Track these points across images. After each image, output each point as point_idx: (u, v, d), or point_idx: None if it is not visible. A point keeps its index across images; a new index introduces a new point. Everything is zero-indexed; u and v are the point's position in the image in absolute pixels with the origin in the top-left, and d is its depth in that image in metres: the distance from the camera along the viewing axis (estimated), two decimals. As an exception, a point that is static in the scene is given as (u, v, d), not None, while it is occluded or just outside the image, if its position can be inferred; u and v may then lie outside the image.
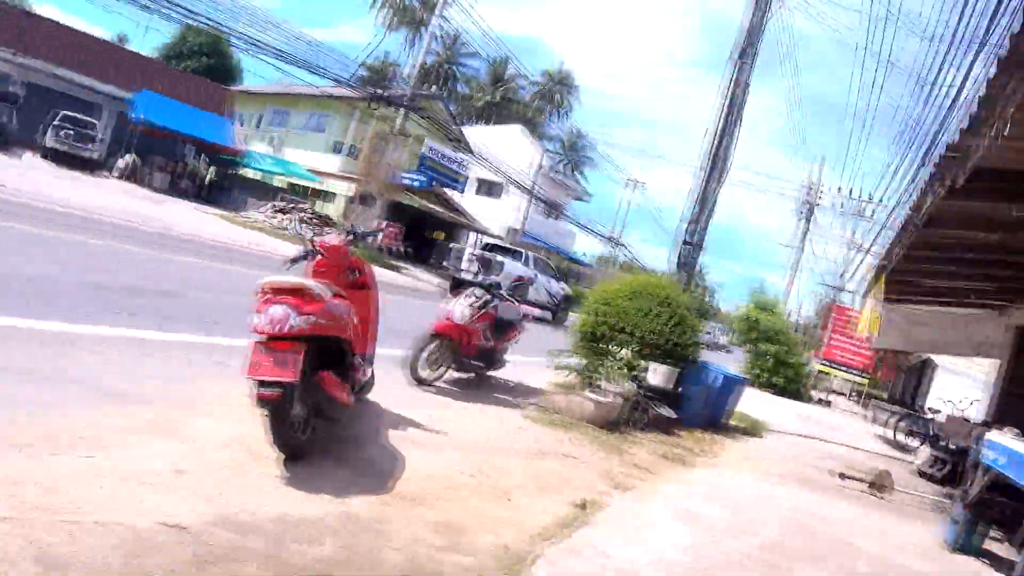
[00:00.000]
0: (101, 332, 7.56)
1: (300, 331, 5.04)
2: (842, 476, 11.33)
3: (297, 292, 5.19)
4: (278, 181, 42.31)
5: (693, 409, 12.14)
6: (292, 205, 34.12)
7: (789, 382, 26.63)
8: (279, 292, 5.17)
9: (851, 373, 33.17)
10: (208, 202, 36.93)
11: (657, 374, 11.49)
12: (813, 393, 30.19)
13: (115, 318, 8.27)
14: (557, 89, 78.67)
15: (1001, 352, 17.64)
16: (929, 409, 22.87)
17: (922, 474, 14.41)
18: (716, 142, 15.33)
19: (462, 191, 46.12)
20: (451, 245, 35.51)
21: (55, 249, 12.22)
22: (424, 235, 42.86)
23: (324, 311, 5.27)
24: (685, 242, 15.40)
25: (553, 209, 58.87)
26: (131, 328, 8.08)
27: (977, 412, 18.62)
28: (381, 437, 6.58)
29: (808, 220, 42.07)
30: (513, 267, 29.59)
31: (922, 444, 16.10)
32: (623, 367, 10.84)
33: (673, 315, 12.11)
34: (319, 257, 6.56)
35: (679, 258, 15.31)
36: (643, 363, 11.40)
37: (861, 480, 11.14)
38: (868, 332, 17.87)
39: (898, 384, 43.68)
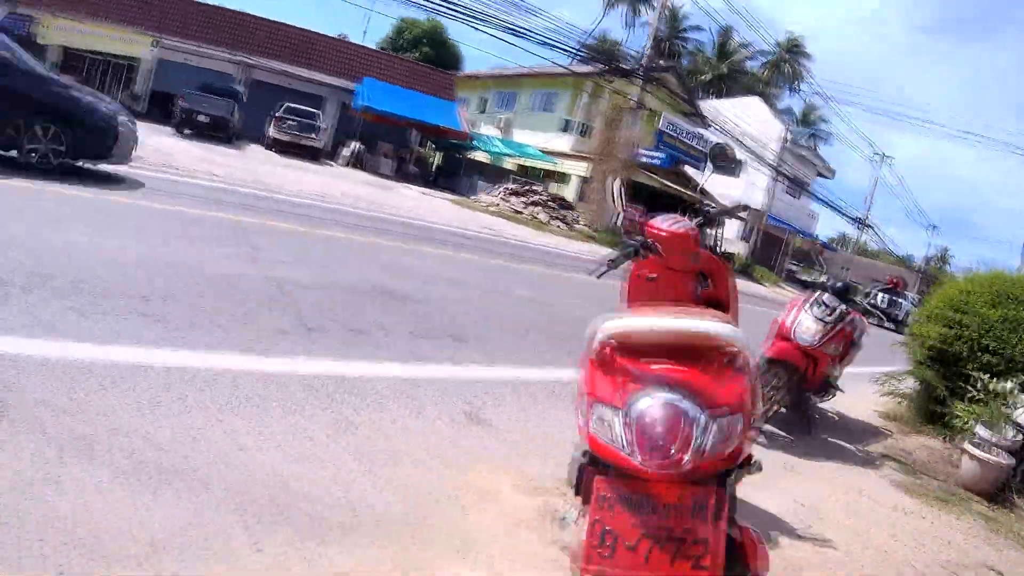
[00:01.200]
0: (297, 368, 4.99)
1: (718, 460, 2.31)
2: None
3: (695, 356, 2.41)
4: (508, 164, 40.68)
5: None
6: (526, 187, 31.68)
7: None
8: (646, 355, 2.42)
9: None
10: (437, 187, 36.01)
11: (1025, 411, 8.05)
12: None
13: (320, 339, 5.76)
14: (787, 59, 73.36)
15: None
16: None
17: None
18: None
19: (703, 168, 42.73)
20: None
21: (268, 240, 9.79)
22: (665, 217, 39.79)
23: (749, 397, 2.42)
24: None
25: (799, 187, 54.15)
26: (344, 358, 5.46)
27: None
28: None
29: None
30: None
31: None
32: (1006, 405, 7.50)
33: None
34: (647, 254, 3.73)
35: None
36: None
37: None
38: None
39: None
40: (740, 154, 41.77)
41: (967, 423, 7.46)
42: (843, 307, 6.77)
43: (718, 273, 4.01)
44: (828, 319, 6.65)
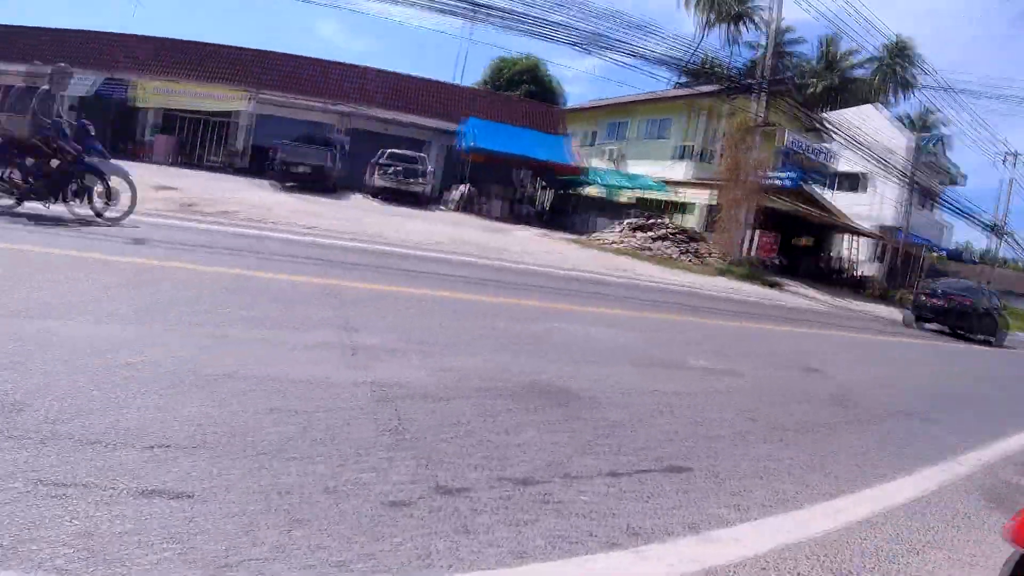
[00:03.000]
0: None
1: None
2: None
3: None
4: (622, 197, 38.40)
5: None
6: (650, 220, 29.57)
7: None
8: None
9: None
10: (551, 226, 33.94)
11: None
12: None
13: (470, 516, 3.26)
14: (897, 63, 69.24)
15: None
16: None
17: None
18: None
19: (831, 187, 39.76)
20: None
21: (368, 312, 7.54)
22: (790, 242, 36.98)
23: None
24: None
25: (931, 198, 50.45)
26: (519, 559, 3.01)
27: None
28: None
29: None
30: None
31: None
32: None
33: None
34: None
35: None
36: None
37: None
38: None
39: None
40: (861, 168, 38.85)
41: None
42: None
43: None
44: None
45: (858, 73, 70.36)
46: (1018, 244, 56.29)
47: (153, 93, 35.19)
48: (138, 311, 5.80)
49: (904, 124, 61.03)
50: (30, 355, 4.32)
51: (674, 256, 26.09)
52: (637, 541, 3.35)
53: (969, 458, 6.35)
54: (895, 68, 67.83)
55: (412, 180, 29.46)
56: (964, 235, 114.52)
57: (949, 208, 49.68)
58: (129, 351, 4.68)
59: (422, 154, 32.60)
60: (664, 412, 5.64)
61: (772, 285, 26.37)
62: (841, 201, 44.42)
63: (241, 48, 38.52)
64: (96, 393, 3.89)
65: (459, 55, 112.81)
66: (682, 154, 40.26)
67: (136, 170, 13.68)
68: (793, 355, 10.58)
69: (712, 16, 67.91)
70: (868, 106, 51.86)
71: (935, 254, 56.20)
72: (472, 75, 77.18)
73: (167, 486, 3.02)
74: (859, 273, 41.73)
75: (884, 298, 37.13)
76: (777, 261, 30.67)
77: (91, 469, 3.06)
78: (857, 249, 43.41)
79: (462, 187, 32.44)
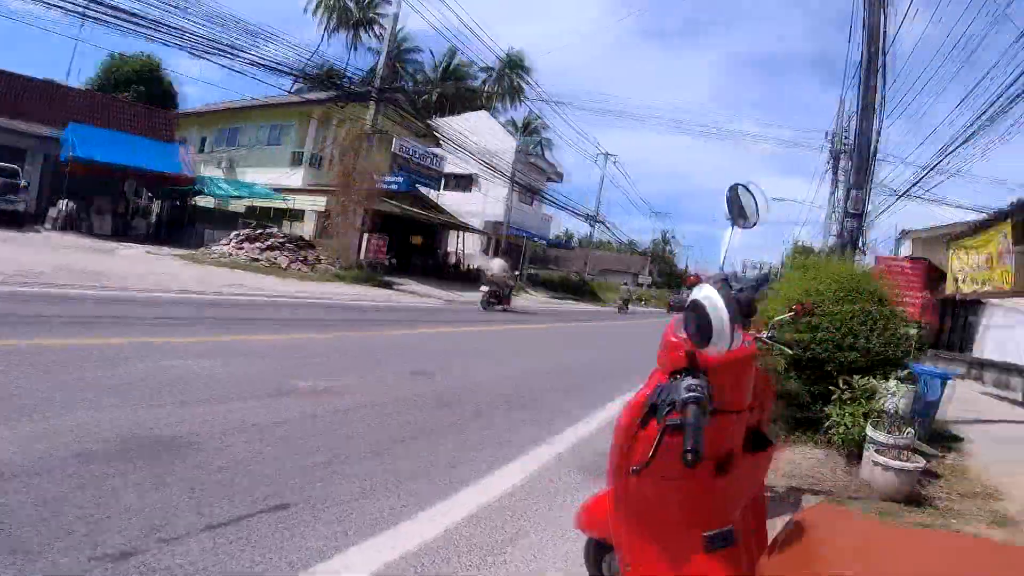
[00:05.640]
0: None
1: None
2: None
3: None
4: (236, 206, 37.85)
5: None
6: (259, 231, 29.84)
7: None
8: None
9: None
10: (162, 242, 32.34)
11: (899, 398, 7.34)
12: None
13: None
14: (508, 73, 74.94)
15: None
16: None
17: None
18: (863, 85, 12.72)
19: (439, 188, 41.95)
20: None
21: None
22: (406, 242, 38.64)
23: None
24: (848, 214, 13.02)
25: (533, 194, 54.86)
26: None
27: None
28: None
29: (835, 170, 34.77)
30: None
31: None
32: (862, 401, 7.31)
33: (887, 318, 8.74)
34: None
35: (842, 233, 13.31)
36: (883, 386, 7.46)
37: None
38: (1000, 283, 14.84)
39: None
40: (468, 169, 41.51)
41: (846, 427, 7.20)
42: None
43: (765, 391, 2.81)
44: None
45: (473, 82, 75.10)
46: (608, 229, 64.22)
47: None
48: None
49: (514, 129, 66.41)
50: None
51: (283, 265, 26.54)
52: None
53: (566, 436, 7.47)
54: (510, 78, 73.36)
55: (7, 196, 27.22)
56: (571, 225, 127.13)
57: (551, 202, 54.90)
58: None
59: (18, 166, 29.86)
60: (257, 446, 5.57)
61: (386, 286, 27.68)
62: (452, 200, 47.08)
63: None
64: None
65: (67, 56, 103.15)
66: (296, 160, 40.65)
67: None
68: (404, 360, 11.16)
69: (334, 22, 68.84)
70: (481, 112, 55.59)
71: (537, 243, 61.26)
72: (86, 75, 71.09)
73: None
74: (472, 266, 44.24)
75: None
76: (387, 262, 32.05)
77: None
78: (462, 245, 46.13)
79: (62, 203, 30.06)
